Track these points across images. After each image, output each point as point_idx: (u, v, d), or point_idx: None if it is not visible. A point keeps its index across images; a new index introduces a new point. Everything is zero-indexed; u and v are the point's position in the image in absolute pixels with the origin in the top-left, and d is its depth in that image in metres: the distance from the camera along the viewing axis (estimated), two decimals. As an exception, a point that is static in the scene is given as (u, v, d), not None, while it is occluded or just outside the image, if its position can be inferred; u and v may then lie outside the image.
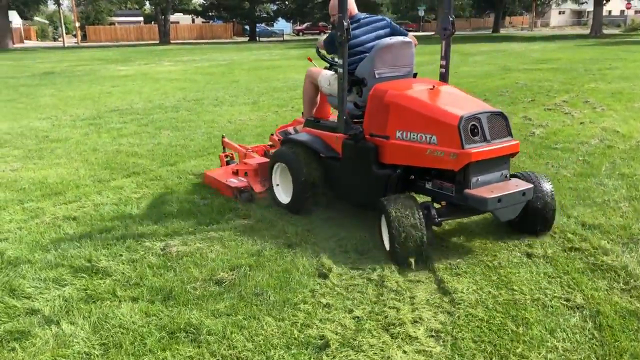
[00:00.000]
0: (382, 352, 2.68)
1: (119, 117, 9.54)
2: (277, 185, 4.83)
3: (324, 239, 4.08)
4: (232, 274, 3.54)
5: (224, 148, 6.04)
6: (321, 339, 2.80)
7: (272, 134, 5.79)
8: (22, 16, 67.21)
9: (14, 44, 45.63)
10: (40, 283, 3.48)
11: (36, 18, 74.41)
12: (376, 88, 4.13)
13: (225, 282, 3.43)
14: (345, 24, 3.99)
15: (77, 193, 5.32)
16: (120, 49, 38.04)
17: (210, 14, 60.82)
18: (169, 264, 3.72)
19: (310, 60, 5.54)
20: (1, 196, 5.27)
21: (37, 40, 67.69)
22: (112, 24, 69.51)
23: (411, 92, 4.05)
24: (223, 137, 6.15)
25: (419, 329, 2.87)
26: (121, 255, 3.87)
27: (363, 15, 4.64)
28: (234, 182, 5.12)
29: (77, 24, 59.35)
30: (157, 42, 49.96)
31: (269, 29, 61.70)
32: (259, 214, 4.62)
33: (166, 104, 10.90)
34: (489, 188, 3.69)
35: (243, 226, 4.39)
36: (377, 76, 4.34)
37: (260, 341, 2.80)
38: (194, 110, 10.10)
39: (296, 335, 2.85)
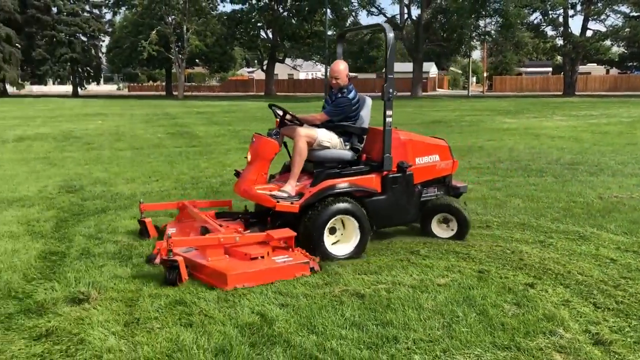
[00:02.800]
0: None
1: (475, 177, 8.87)
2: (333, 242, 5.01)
3: None
4: None
5: (141, 214, 5.73)
6: None
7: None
8: (439, 67, 73.92)
9: (423, 92, 50.39)
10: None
11: (451, 69, 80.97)
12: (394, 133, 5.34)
13: None
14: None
15: (381, 263, 4.83)
16: (518, 100, 37.57)
17: (628, 64, 54.86)
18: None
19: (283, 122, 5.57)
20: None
21: (449, 89, 73.42)
22: (519, 74, 70.03)
23: (408, 133, 5.58)
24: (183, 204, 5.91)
25: None
26: (378, 366, 3.12)
27: None
28: (285, 259, 4.55)
29: (485, 74, 61.90)
30: (561, 93, 47.69)
31: None
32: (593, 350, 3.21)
33: (532, 167, 9.69)
34: (456, 182, 5.94)
35: (553, 365, 3.09)
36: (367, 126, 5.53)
37: None
38: (563, 177, 8.65)
39: None
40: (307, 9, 50.89)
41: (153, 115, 25.13)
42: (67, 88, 67.12)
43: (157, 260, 4.63)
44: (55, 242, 5.47)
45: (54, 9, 58.49)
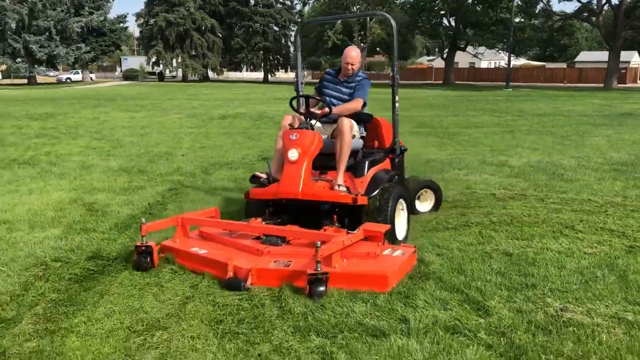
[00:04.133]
0: None
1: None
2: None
3: None
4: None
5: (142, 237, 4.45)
6: None
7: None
8: (643, 55, 66.72)
9: (620, 83, 46.14)
10: (431, 299, 3.79)
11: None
12: (383, 120, 5.91)
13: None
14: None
15: (534, 232, 5.31)
16: None
17: None
18: (548, 327, 3.36)
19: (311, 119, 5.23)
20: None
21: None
22: None
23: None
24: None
25: None
26: (515, 301, 3.75)
27: None
28: (396, 252, 4.41)
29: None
30: None
31: None
32: None
33: None
34: None
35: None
36: None
37: None
38: None
39: None
40: (493, -5, 49.52)
41: (334, 100, 26.83)
42: (259, 74, 73.34)
43: (249, 283, 3.98)
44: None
45: (252, 1, 64.13)
